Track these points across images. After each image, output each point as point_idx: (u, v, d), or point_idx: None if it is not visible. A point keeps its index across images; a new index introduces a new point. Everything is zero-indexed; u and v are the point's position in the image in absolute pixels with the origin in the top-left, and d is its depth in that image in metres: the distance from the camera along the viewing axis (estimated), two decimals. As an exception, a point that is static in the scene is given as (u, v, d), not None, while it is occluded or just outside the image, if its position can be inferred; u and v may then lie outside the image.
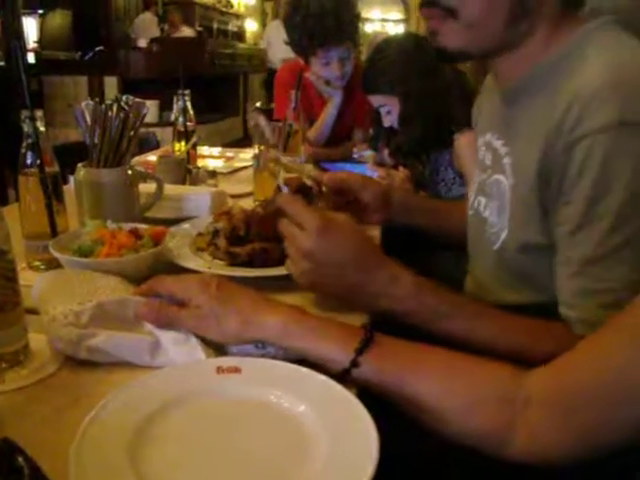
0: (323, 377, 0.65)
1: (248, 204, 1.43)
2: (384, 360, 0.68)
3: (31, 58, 6.09)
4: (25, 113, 0.93)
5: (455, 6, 0.84)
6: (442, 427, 0.66)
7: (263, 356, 0.71)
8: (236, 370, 0.67)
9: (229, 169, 1.89)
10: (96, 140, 1.04)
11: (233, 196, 1.48)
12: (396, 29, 12.45)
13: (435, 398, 0.66)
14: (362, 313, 0.84)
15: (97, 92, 6.32)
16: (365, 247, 0.85)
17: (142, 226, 0.99)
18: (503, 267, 0.93)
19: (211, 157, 2.12)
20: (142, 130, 3.12)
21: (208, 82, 6.99)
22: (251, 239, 0.97)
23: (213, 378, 0.66)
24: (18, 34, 5.34)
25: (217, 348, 0.73)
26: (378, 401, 0.67)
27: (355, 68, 2.17)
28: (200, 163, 1.81)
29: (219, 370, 0.67)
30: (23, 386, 0.68)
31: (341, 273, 0.82)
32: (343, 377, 0.66)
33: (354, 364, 0.66)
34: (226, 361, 0.68)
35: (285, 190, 0.94)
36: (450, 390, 0.66)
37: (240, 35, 11.27)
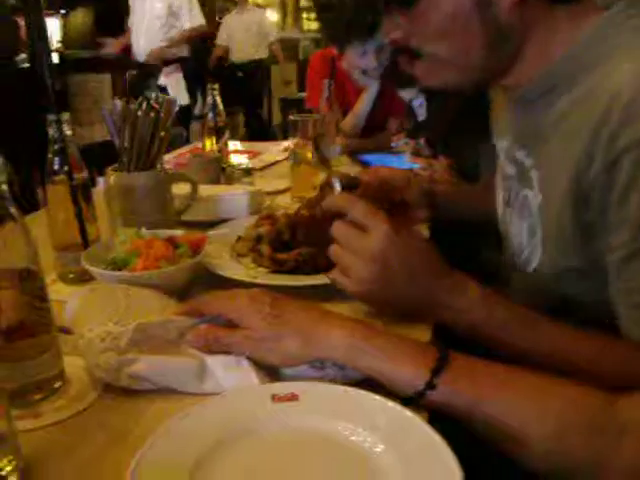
0: (394, 404, 0.57)
1: (286, 201, 1.37)
2: (461, 381, 0.60)
3: (55, 58, 6.09)
4: (51, 117, 0.86)
5: (423, 49, 0.79)
6: (524, 453, 0.58)
7: (321, 378, 0.64)
8: (293, 397, 0.60)
9: (262, 164, 1.82)
10: (126, 143, 0.98)
11: (269, 193, 1.41)
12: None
13: (518, 423, 0.58)
14: (423, 329, 0.77)
15: (120, 88, 6.30)
16: (433, 254, 0.77)
17: (179, 233, 0.92)
18: (537, 290, 0.84)
19: (237, 152, 2.05)
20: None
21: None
22: (297, 244, 0.89)
23: (269, 407, 0.59)
24: (42, 35, 5.34)
25: (269, 369, 0.66)
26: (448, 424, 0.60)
27: None
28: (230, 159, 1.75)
29: (275, 398, 0.60)
30: (60, 420, 0.62)
31: (409, 280, 0.74)
32: (415, 400, 0.59)
33: (430, 386, 0.59)
34: (282, 388, 0.61)
35: (337, 186, 0.85)
36: (535, 415, 0.59)
37: (261, 26, 11.19)
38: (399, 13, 0.78)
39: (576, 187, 0.70)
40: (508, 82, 0.83)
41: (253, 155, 2.00)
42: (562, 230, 0.75)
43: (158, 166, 1.02)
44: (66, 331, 0.72)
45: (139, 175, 0.99)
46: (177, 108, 1.03)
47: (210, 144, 1.63)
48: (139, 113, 0.95)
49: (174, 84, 4.61)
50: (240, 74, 6.35)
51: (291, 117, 1.41)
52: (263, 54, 6.55)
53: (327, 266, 0.88)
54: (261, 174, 1.68)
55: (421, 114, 1.72)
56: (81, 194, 0.90)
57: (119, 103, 0.99)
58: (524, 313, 0.76)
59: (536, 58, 0.78)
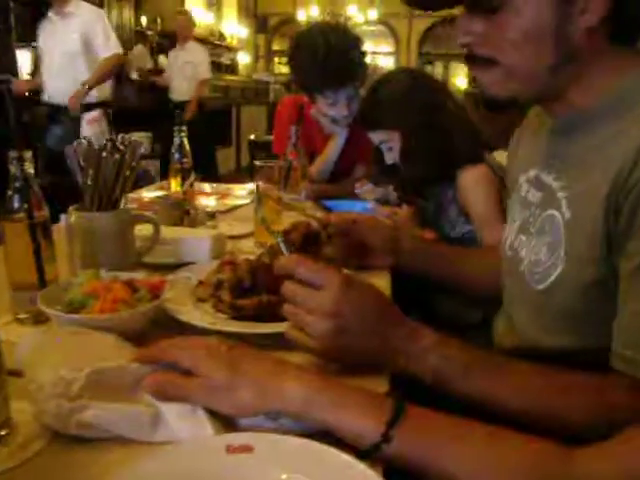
0: (346, 457, 0.57)
1: (248, 246, 1.37)
2: (417, 433, 0.60)
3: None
4: (12, 154, 0.86)
5: (494, 57, 0.81)
6: None
7: (277, 429, 0.63)
8: (248, 449, 0.59)
9: (226, 207, 1.82)
10: (89, 182, 0.97)
11: (232, 237, 1.41)
12: (387, 61, 12.55)
13: (468, 475, 0.58)
14: (381, 379, 0.77)
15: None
16: (385, 302, 0.79)
17: (139, 276, 0.91)
18: (547, 309, 0.86)
19: (204, 194, 2.05)
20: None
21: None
22: (257, 291, 0.89)
23: (223, 459, 0.58)
24: (12, 71, 5.32)
25: (225, 419, 0.65)
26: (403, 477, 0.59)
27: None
28: (195, 201, 1.74)
29: (229, 449, 0.59)
30: (5, 470, 0.59)
31: (364, 330, 0.75)
32: (371, 453, 0.59)
33: (385, 439, 0.59)
34: (236, 438, 0.60)
35: (283, 249, 0.85)
36: (488, 471, 0.59)
37: (233, 68, 11.34)
38: (482, 17, 0.80)
39: (610, 203, 0.74)
40: (556, 106, 0.87)
41: (221, 197, 2.01)
42: (588, 243, 0.77)
43: (121, 206, 1.02)
44: (15, 374, 0.70)
45: (101, 216, 0.99)
46: (142, 150, 1.02)
47: (175, 185, 1.62)
48: (104, 154, 0.95)
49: (99, 133, 3.84)
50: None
51: (256, 162, 1.42)
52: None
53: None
54: (224, 216, 1.68)
55: (390, 158, 1.74)
56: (40, 233, 0.89)
57: (84, 142, 0.99)
58: (485, 355, 0.78)
59: (592, 87, 0.82)
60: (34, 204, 0.88)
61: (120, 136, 1.01)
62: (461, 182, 1.65)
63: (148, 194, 1.99)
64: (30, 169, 0.88)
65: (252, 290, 0.89)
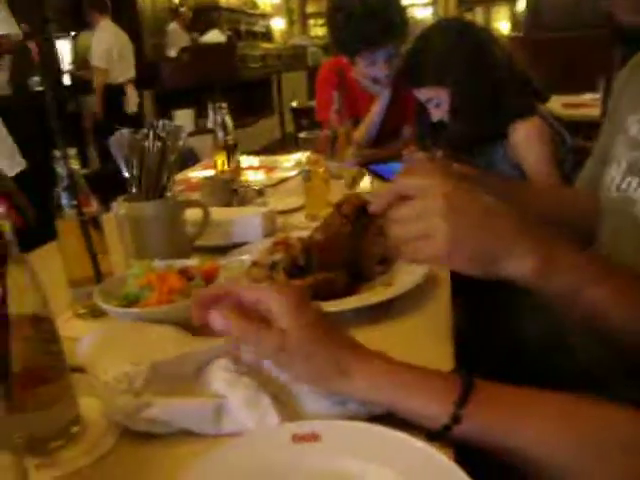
0: (420, 444, 0.55)
1: (300, 220, 1.35)
2: (487, 411, 0.57)
3: (67, 80, 6.15)
4: (57, 154, 0.85)
5: None
6: None
7: (343, 414, 0.62)
8: (315, 438, 0.58)
9: (274, 181, 1.81)
10: (135, 173, 0.97)
11: (283, 212, 1.40)
12: (424, 12, 12.18)
13: (546, 452, 0.55)
14: (445, 357, 0.75)
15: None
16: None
17: (193, 263, 0.91)
18: None
19: (252, 169, 2.03)
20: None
21: (241, 85, 6.96)
22: (312, 270, 0.87)
23: (289, 449, 0.57)
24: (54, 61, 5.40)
25: (289, 406, 0.64)
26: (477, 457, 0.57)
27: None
28: (242, 177, 1.73)
29: (295, 438, 0.58)
30: (79, 468, 0.60)
31: (477, 209, 0.67)
32: (440, 434, 0.57)
33: (455, 420, 0.56)
34: (302, 426, 0.59)
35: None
36: (564, 441, 0.56)
37: (268, 35, 11.23)
38: None
39: None
40: None
41: (268, 170, 1.99)
42: None
43: (169, 194, 1.01)
44: (78, 370, 0.70)
45: (150, 205, 0.98)
46: (184, 135, 1.01)
47: (221, 163, 1.61)
48: (146, 143, 0.94)
49: None
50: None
51: (300, 135, 1.40)
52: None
53: (345, 290, 0.86)
54: (273, 192, 1.67)
55: (437, 116, 1.68)
56: (92, 228, 0.89)
57: (126, 132, 0.99)
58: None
59: None
60: (82, 201, 0.88)
61: (161, 122, 0.99)
62: (513, 138, 1.59)
63: (195, 174, 2.00)
64: (75, 165, 0.87)
65: (306, 269, 0.88)
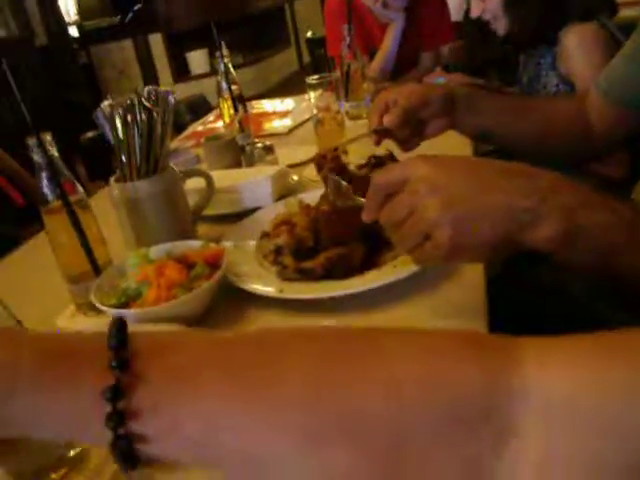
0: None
1: (314, 174, 1.25)
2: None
3: (74, 32, 6.00)
4: (31, 141, 0.77)
5: None
6: None
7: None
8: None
9: (288, 128, 1.70)
10: (123, 152, 0.88)
11: (295, 165, 1.30)
12: None
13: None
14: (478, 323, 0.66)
15: (144, 54, 6.19)
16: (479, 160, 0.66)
17: (194, 245, 0.83)
18: None
19: (265, 116, 1.92)
20: (193, 93, 2.93)
21: (254, 18, 6.69)
22: (323, 247, 0.78)
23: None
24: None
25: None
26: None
27: None
28: (254, 127, 1.62)
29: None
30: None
31: (472, 187, 0.58)
32: None
33: None
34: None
35: (337, 182, 0.72)
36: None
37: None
38: None
39: None
40: None
41: (283, 115, 1.88)
42: None
43: (168, 167, 0.92)
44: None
45: (145, 183, 0.89)
46: (173, 101, 0.91)
47: (228, 116, 1.51)
48: (128, 118, 0.84)
49: None
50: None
51: (308, 80, 1.28)
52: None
53: (362, 264, 0.78)
54: (286, 140, 1.56)
55: (478, 10, 1.55)
56: (81, 216, 0.81)
57: (107, 103, 0.89)
58: None
59: None
60: (67, 188, 0.80)
61: (146, 90, 0.89)
62: (565, 42, 1.44)
63: (204, 127, 1.90)
64: (54, 151, 0.79)
65: (317, 247, 0.78)
